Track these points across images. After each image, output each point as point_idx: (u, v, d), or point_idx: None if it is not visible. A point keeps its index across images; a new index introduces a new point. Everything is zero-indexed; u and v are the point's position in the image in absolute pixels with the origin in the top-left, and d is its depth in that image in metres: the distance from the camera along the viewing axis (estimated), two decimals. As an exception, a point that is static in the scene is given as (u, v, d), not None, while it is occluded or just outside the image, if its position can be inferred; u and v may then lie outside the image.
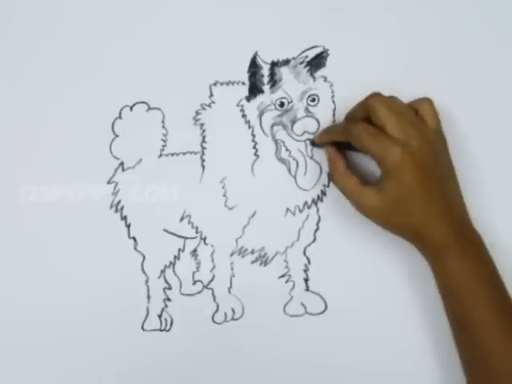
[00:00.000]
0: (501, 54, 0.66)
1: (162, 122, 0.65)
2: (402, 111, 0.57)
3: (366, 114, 0.58)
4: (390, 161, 0.55)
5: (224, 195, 0.64)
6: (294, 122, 0.63)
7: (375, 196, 0.57)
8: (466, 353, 0.57)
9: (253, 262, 0.65)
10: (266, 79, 0.63)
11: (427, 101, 0.60)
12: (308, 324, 0.64)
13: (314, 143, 0.63)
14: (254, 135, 0.64)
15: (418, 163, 0.55)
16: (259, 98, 0.64)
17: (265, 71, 0.63)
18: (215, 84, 0.65)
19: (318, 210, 0.65)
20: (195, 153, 0.65)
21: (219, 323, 0.64)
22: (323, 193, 0.64)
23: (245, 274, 0.65)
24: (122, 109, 0.65)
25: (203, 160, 0.65)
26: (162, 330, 0.64)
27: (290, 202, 0.64)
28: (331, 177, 0.62)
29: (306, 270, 0.65)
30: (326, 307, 0.65)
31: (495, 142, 0.65)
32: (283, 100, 0.63)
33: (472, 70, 0.65)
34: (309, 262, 0.65)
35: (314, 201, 0.64)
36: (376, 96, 0.58)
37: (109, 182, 0.65)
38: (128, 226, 0.64)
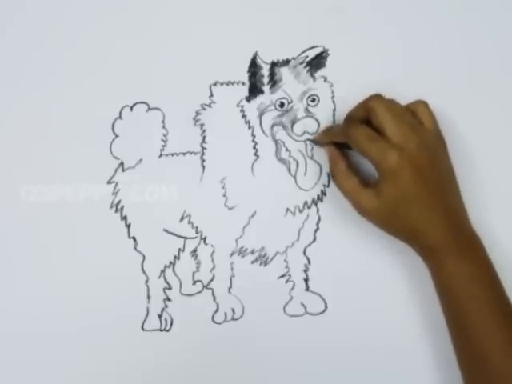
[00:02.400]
0: (500, 54, 0.65)
1: (162, 122, 0.65)
2: (401, 114, 0.57)
3: (365, 115, 0.58)
4: (387, 165, 0.55)
5: (224, 195, 0.64)
6: (293, 122, 0.63)
7: (373, 199, 0.57)
8: (464, 354, 0.57)
9: (253, 262, 0.65)
10: (265, 79, 0.63)
11: (423, 103, 0.60)
12: (308, 324, 0.64)
13: (314, 142, 0.63)
14: (254, 135, 0.64)
15: (415, 167, 0.55)
16: (259, 99, 0.64)
17: (265, 71, 0.63)
18: (215, 84, 0.65)
19: (317, 210, 0.65)
20: (195, 153, 0.65)
21: (219, 323, 0.64)
22: (323, 193, 0.64)
23: (245, 274, 0.65)
24: (122, 109, 0.65)
25: (203, 160, 0.65)
26: (162, 330, 0.64)
27: (290, 202, 0.64)
28: (331, 176, 0.62)
29: (305, 270, 0.65)
30: (325, 307, 0.65)
31: (494, 144, 0.65)
32: (283, 100, 0.63)
33: (471, 71, 0.65)
34: (309, 262, 0.65)
35: (313, 201, 0.64)
36: (376, 98, 0.58)
37: (109, 182, 0.65)
38: (128, 226, 0.64)
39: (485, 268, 0.57)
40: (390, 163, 0.55)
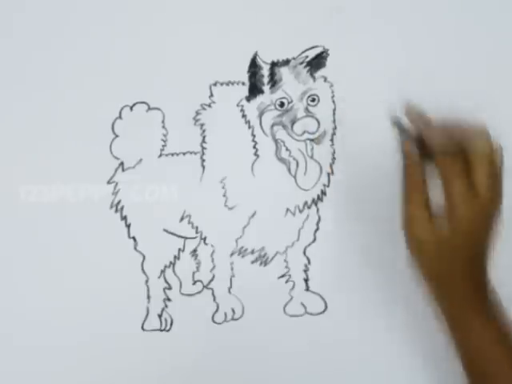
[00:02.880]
0: (500, 53, 0.66)
1: (162, 122, 0.65)
2: (498, 169, 0.54)
3: (463, 144, 0.53)
4: (460, 213, 0.53)
5: (224, 195, 0.64)
6: (293, 121, 0.63)
7: (429, 234, 0.54)
8: None
9: (253, 262, 0.65)
10: (265, 79, 0.64)
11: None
12: (308, 324, 0.64)
13: (396, 123, 0.56)
14: (254, 135, 0.64)
15: (488, 223, 0.54)
16: (259, 98, 0.64)
17: (265, 71, 0.63)
18: (215, 84, 0.65)
19: (318, 210, 0.65)
20: (195, 153, 0.65)
21: (219, 323, 0.64)
22: (323, 193, 0.64)
23: (245, 274, 0.65)
24: (122, 109, 0.65)
25: (203, 160, 0.65)
26: (162, 330, 0.64)
27: (290, 202, 0.64)
28: (405, 188, 0.55)
29: (306, 270, 0.65)
30: (325, 307, 0.65)
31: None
32: (283, 100, 0.63)
33: (472, 71, 0.65)
34: (309, 262, 0.65)
35: (314, 201, 0.64)
36: (484, 141, 0.53)
37: (109, 182, 0.65)
38: (128, 226, 0.64)
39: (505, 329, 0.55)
40: (463, 213, 0.53)
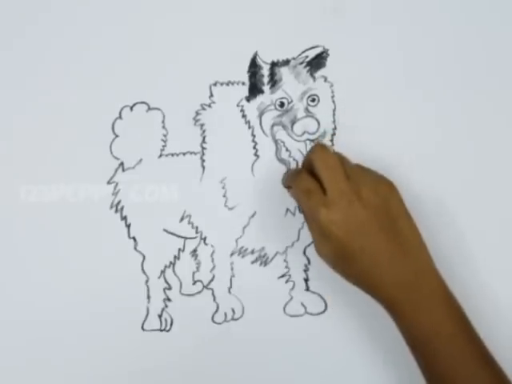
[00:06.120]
0: (499, 55, 0.65)
1: (162, 122, 0.65)
2: (337, 166, 0.55)
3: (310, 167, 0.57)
4: (317, 222, 0.54)
5: (224, 195, 0.64)
6: (293, 122, 0.63)
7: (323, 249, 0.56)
8: None
9: (253, 262, 0.65)
10: (266, 79, 0.63)
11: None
12: (308, 324, 0.64)
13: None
14: (254, 135, 0.64)
15: (348, 221, 0.53)
16: (259, 98, 0.64)
17: (265, 71, 0.63)
18: (215, 84, 0.65)
19: (318, 210, 0.64)
20: (195, 153, 0.65)
21: (219, 323, 0.64)
22: (323, 193, 0.64)
23: (245, 274, 0.65)
24: (122, 109, 0.65)
25: (203, 160, 0.65)
26: (162, 330, 0.64)
27: (290, 202, 0.64)
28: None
29: (306, 270, 0.65)
30: (325, 307, 0.65)
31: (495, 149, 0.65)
32: (283, 100, 0.63)
33: (472, 71, 0.65)
34: (309, 262, 0.65)
35: (314, 201, 0.64)
36: (315, 150, 0.57)
37: (109, 182, 0.65)
38: (128, 226, 0.64)
39: (450, 314, 0.54)
40: (319, 220, 0.54)
